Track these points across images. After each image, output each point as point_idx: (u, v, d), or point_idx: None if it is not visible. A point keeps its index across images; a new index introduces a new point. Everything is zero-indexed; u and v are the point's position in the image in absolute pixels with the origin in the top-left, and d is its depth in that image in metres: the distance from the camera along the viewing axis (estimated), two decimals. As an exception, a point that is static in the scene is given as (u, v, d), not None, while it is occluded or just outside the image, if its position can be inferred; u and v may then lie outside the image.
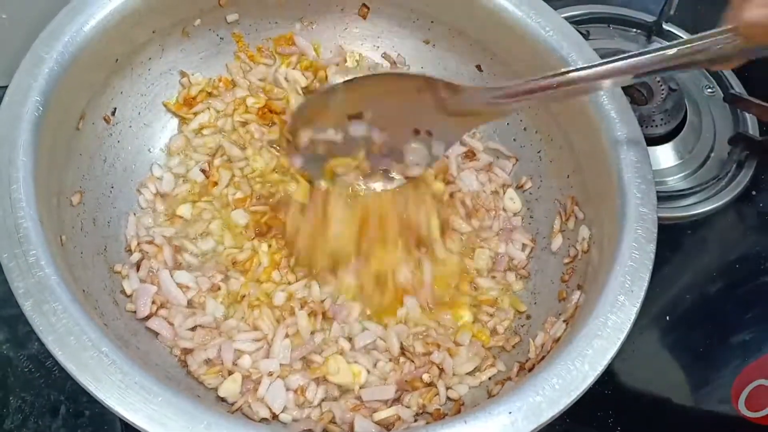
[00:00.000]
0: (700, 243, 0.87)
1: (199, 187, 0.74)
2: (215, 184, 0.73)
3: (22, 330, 0.71)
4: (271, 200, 0.73)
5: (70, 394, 0.68)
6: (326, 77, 0.80)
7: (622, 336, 0.54)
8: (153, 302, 0.65)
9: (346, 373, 0.63)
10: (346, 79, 0.67)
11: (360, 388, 0.64)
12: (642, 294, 0.56)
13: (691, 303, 0.82)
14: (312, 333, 0.66)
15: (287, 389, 0.62)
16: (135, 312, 0.64)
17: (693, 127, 0.92)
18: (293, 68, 0.79)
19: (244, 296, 0.67)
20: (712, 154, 0.92)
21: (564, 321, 0.61)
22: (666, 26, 1.01)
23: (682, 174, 0.90)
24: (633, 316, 0.55)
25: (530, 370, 0.59)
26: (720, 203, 0.87)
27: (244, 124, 0.77)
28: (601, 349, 0.53)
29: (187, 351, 0.63)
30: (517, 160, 0.77)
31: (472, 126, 0.68)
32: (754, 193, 0.89)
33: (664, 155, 0.90)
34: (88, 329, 0.49)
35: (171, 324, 0.64)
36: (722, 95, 0.96)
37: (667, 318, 0.80)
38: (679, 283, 0.84)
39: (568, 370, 0.52)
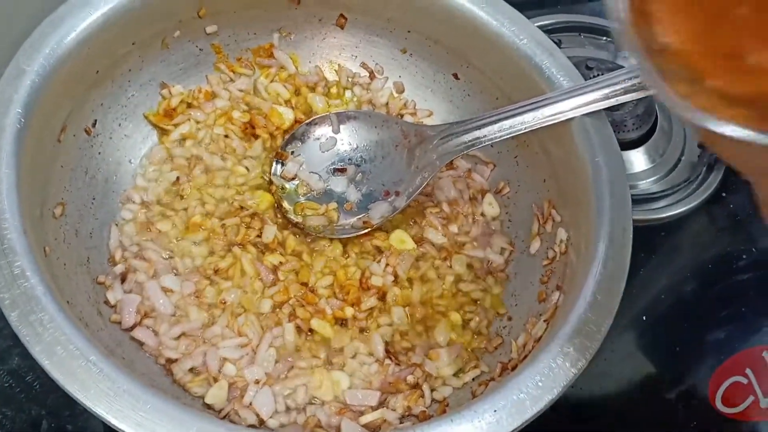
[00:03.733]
0: (674, 244, 0.89)
1: (168, 197, 0.74)
2: (182, 197, 0.74)
3: (1, 345, 0.71)
4: (243, 213, 0.74)
5: (52, 409, 0.68)
6: (306, 99, 0.81)
7: (602, 334, 0.55)
8: (137, 312, 0.65)
9: (329, 389, 0.64)
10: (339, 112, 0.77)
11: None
12: (620, 293, 0.57)
13: (666, 303, 0.84)
14: (298, 349, 0.66)
15: (274, 396, 0.62)
16: (119, 322, 0.64)
17: (663, 131, 0.95)
18: (272, 81, 0.80)
19: (224, 302, 0.68)
20: (683, 158, 0.94)
21: (544, 321, 0.62)
22: (636, 34, 1.04)
23: (654, 177, 0.92)
24: (612, 315, 0.56)
25: (513, 368, 0.60)
26: (692, 205, 0.89)
27: (225, 136, 0.77)
28: (582, 347, 0.54)
29: (172, 360, 0.64)
30: (494, 165, 0.79)
31: (432, 176, 0.72)
32: (724, 194, 0.91)
33: (636, 159, 0.92)
34: (75, 338, 0.50)
35: (155, 333, 0.64)
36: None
37: (644, 318, 0.82)
38: (655, 284, 0.85)
39: (551, 368, 0.53)
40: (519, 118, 0.67)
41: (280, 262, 0.71)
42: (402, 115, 0.82)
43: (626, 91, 0.64)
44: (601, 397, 0.76)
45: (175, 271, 0.69)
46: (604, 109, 0.66)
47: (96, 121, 0.70)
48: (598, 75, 0.81)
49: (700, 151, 0.94)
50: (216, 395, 0.61)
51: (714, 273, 0.87)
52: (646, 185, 0.91)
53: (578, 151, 0.66)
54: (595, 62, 0.92)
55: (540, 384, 0.52)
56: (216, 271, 0.69)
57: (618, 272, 0.58)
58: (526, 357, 0.59)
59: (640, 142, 0.93)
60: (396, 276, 0.71)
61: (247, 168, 0.76)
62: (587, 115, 0.66)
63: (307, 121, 0.78)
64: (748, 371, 0.79)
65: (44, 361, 0.49)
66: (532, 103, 0.67)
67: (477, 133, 0.68)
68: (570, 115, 0.65)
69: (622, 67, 0.89)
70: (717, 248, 0.90)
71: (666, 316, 0.83)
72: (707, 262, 0.89)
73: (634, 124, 0.92)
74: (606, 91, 0.64)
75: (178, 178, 0.74)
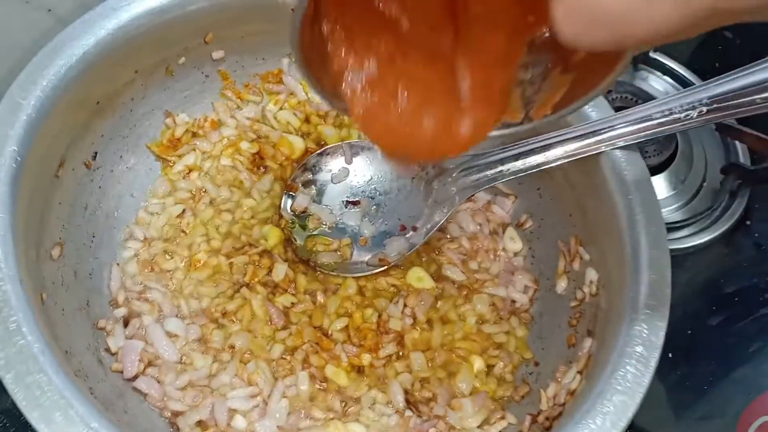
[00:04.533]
0: (697, 276, 0.86)
1: (172, 232, 0.71)
2: (185, 232, 0.70)
3: (-6, 383, 0.66)
4: (252, 250, 0.70)
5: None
6: (317, 127, 0.77)
7: (643, 390, 0.51)
8: (140, 360, 0.61)
9: None
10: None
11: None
12: (660, 344, 0.54)
13: (691, 338, 0.80)
14: (312, 399, 0.62)
15: (288, 452, 0.58)
16: (121, 371, 0.60)
17: (684, 157, 0.91)
18: (281, 108, 0.76)
19: (233, 347, 0.64)
20: (705, 184, 0.91)
21: (578, 372, 0.58)
22: (653, 55, 1.01)
23: (676, 205, 0.89)
24: (653, 368, 0.53)
25: (547, 429, 0.56)
26: (715, 234, 0.86)
27: (232, 167, 0.73)
28: (622, 405, 0.50)
29: (177, 413, 0.59)
30: (516, 197, 0.75)
31: (451, 211, 0.69)
32: (748, 222, 0.88)
33: (658, 186, 0.89)
34: (76, 403, 0.46)
35: (160, 383, 0.60)
36: (713, 125, 0.95)
37: (670, 355, 0.78)
38: (679, 317, 0.81)
39: (590, 429, 0.49)
40: (544, 154, 0.63)
41: (292, 303, 0.67)
42: (417, 144, 0.78)
43: (661, 125, 0.61)
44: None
45: (179, 313, 0.65)
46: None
47: (96, 153, 0.67)
48: (628, 103, 0.77)
49: (722, 177, 0.91)
50: (225, 452, 0.57)
51: (739, 306, 0.83)
52: (667, 213, 0.88)
53: (608, 185, 0.62)
54: (621, 89, 0.89)
55: (579, 448, 0.48)
56: (224, 314, 0.65)
57: (657, 322, 0.54)
58: (561, 413, 0.55)
59: (660, 168, 0.89)
60: (415, 318, 0.67)
61: (255, 200, 0.72)
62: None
63: (318, 152, 0.74)
64: (778, 411, 0.76)
65: (43, 428, 0.45)
66: (559, 136, 0.63)
67: (500, 168, 0.65)
68: (600, 149, 0.62)
69: (652, 97, 0.86)
70: (742, 279, 0.86)
71: (691, 353, 0.79)
72: (732, 294, 0.85)
73: (655, 150, 0.89)
74: (638, 126, 0.60)
75: (183, 211, 0.70)
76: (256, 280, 0.67)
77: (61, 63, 0.59)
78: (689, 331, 0.80)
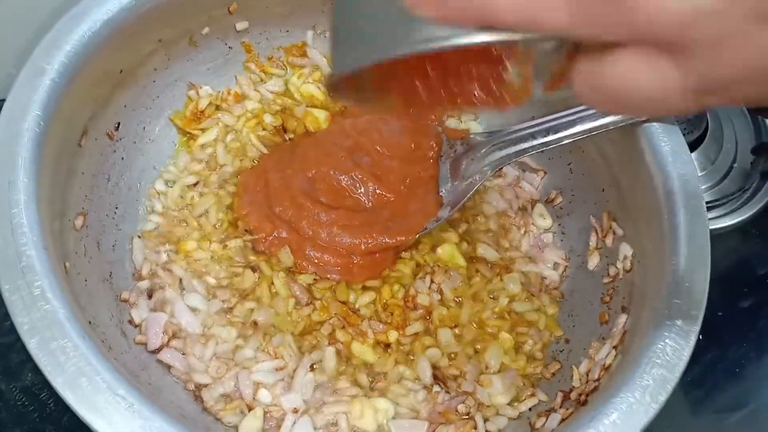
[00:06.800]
0: (728, 258, 0.84)
1: (183, 202, 0.69)
2: (191, 205, 0.69)
3: (14, 360, 0.66)
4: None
5: (67, 429, 0.63)
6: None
7: (683, 363, 0.50)
8: (164, 332, 0.60)
9: (371, 420, 0.58)
10: None
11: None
12: (700, 317, 0.52)
13: (723, 321, 0.79)
14: (338, 374, 0.61)
15: (314, 427, 0.57)
16: (145, 344, 0.59)
17: (714, 137, 0.89)
18: (306, 81, 0.75)
19: (256, 322, 0.63)
20: (735, 165, 0.89)
21: (613, 347, 0.56)
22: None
23: (706, 186, 0.87)
24: (692, 341, 0.51)
25: (583, 404, 0.54)
26: (746, 216, 0.84)
27: (249, 143, 0.72)
28: (661, 378, 0.49)
29: (201, 385, 0.58)
30: (545, 173, 0.73)
31: (479, 184, 0.67)
32: (780, 203, 0.86)
33: (688, 167, 0.87)
34: (102, 369, 0.44)
35: (185, 355, 0.59)
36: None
37: (701, 337, 0.76)
38: (710, 299, 0.80)
39: (629, 403, 0.47)
40: (579, 127, 0.61)
41: (314, 279, 0.65)
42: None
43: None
44: (657, 422, 0.71)
45: (199, 288, 0.64)
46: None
47: (119, 124, 0.65)
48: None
49: (753, 158, 0.89)
50: (251, 426, 0.56)
51: (772, 288, 0.82)
52: (697, 194, 0.86)
53: (644, 158, 0.60)
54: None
55: (618, 422, 0.47)
56: (243, 295, 0.64)
57: (697, 295, 0.53)
58: (596, 388, 0.54)
59: (690, 148, 0.86)
60: (441, 294, 0.65)
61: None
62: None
63: None
64: (813, 392, 0.74)
65: (68, 395, 0.43)
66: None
67: (533, 142, 0.63)
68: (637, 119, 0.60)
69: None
70: (774, 262, 0.84)
71: (723, 335, 0.78)
72: (765, 276, 0.83)
73: (685, 129, 0.86)
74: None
75: (196, 183, 0.69)
76: (262, 259, 0.66)
77: (85, 28, 0.57)
78: (720, 313, 0.79)
